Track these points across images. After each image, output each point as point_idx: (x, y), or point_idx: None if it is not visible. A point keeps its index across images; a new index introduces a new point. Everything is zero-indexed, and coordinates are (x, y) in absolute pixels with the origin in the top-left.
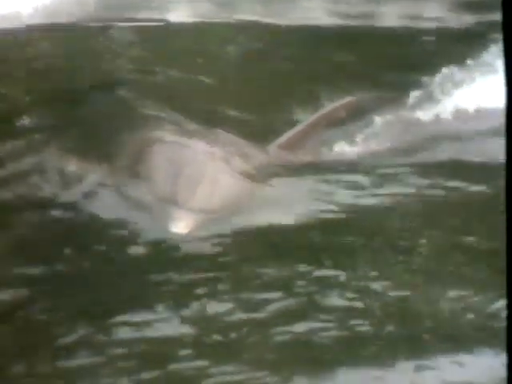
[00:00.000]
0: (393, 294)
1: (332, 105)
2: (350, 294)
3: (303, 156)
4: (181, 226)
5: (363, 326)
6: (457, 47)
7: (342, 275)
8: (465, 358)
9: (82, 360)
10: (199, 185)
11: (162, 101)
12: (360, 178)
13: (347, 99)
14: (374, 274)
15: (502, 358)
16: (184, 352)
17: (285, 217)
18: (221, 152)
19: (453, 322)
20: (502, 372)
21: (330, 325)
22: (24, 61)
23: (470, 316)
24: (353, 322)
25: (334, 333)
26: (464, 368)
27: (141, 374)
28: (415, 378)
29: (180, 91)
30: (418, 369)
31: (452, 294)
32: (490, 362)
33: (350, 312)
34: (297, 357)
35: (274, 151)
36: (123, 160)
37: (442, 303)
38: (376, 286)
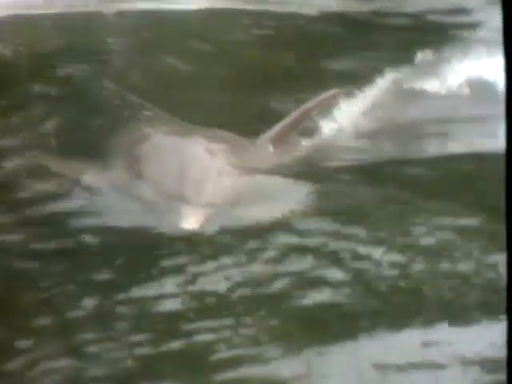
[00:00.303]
0: (398, 269)
1: (318, 97)
2: (355, 270)
3: (292, 148)
4: (191, 221)
5: (369, 301)
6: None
7: (348, 251)
8: (470, 331)
9: (89, 335)
10: (206, 180)
11: (157, 90)
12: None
13: (332, 91)
14: (380, 250)
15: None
16: (191, 327)
17: (285, 208)
18: (219, 148)
19: (459, 296)
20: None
21: (339, 299)
22: (27, 42)
23: (476, 290)
24: (359, 296)
25: (341, 307)
26: (470, 341)
27: (148, 349)
28: (423, 351)
29: (176, 80)
30: (426, 344)
31: (458, 268)
32: (496, 335)
33: (356, 286)
34: (305, 330)
35: (264, 144)
36: (120, 158)
37: (447, 278)
38: (382, 261)
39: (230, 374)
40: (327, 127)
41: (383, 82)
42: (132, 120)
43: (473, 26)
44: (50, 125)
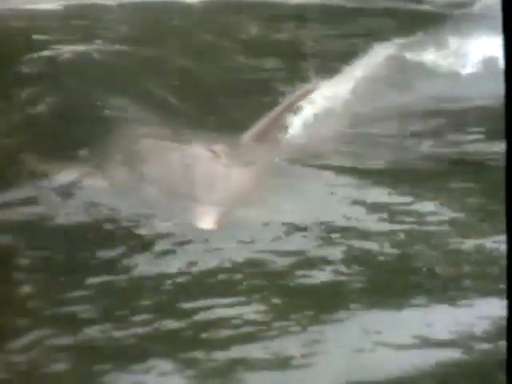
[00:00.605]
0: (401, 247)
1: (296, 93)
2: (358, 249)
3: (274, 144)
4: (207, 221)
5: (371, 279)
6: None
7: (351, 229)
8: (472, 309)
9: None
10: (215, 178)
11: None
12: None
13: (310, 85)
14: (383, 228)
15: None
16: (197, 304)
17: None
18: (219, 148)
19: (461, 274)
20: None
21: (342, 278)
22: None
23: (478, 268)
24: (360, 275)
25: (342, 285)
26: (472, 319)
27: (149, 328)
28: (423, 329)
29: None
30: (428, 322)
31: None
32: (495, 309)
33: (358, 265)
34: (307, 308)
35: (247, 143)
36: (117, 159)
37: (450, 256)
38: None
39: (232, 353)
40: (308, 116)
41: (372, 58)
42: (120, 121)
43: (468, 4)
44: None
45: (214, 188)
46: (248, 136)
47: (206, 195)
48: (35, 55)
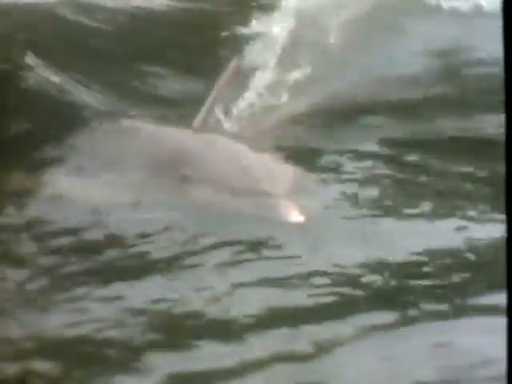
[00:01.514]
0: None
1: (227, 71)
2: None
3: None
4: (294, 214)
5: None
6: None
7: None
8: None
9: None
10: (269, 170)
11: None
12: None
13: (234, 61)
14: None
15: None
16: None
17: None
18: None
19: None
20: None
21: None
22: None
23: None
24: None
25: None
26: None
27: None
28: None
29: None
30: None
31: None
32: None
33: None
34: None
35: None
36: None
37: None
38: None
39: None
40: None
41: None
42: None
43: None
44: None
45: (275, 179)
46: (197, 123)
47: (273, 188)
48: None
